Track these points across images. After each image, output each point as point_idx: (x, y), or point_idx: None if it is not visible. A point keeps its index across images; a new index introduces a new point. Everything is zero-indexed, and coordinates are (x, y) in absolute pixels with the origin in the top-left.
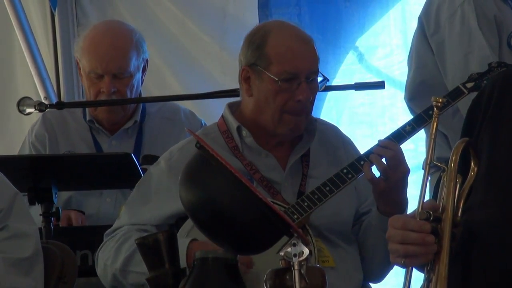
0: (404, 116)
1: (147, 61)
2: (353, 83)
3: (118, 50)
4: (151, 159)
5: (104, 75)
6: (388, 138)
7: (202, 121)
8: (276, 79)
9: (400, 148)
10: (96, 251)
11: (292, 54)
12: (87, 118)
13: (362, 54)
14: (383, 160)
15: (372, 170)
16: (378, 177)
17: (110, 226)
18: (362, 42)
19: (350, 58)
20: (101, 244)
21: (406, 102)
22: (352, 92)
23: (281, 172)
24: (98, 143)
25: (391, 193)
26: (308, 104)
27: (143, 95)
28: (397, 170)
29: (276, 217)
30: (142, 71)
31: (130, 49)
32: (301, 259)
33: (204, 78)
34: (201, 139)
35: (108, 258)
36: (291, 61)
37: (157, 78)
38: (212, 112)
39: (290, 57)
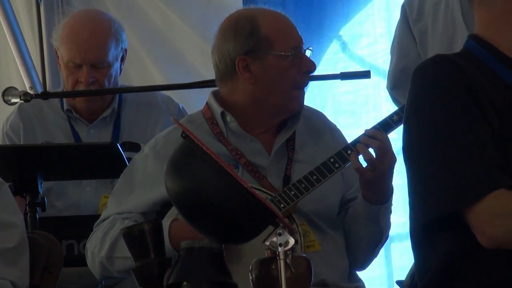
0: (387, 104)
1: (125, 50)
2: (338, 72)
3: (97, 40)
4: (130, 146)
5: (83, 65)
6: (375, 127)
7: (180, 105)
8: (289, 53)
9: (388, 137)
10: (82, 241)
11: (288, 29)
12: (65, 108)
13: (345, 43)
14: (370, 150)
15: (359, 160)
16: (365, 167)
17: (96, 216)
18: (346, 31)
19: (334, 47)
20: (90, 235)
21: (388, 91)
22: (336, 80)
23: (267, 156)
24: (76, 133)
25: (377, 183)
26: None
27: (126, 85)
28: (383, 160)
29: (261, 206)
30: (121, 60)
31: (109, 39)
32: (286, 248)
33: (186, 68)
34: (186, 128)
35: (95, 247)
36: (291, 34)
37: (139, 68)
38: (194, 102)
39: (288, 31)
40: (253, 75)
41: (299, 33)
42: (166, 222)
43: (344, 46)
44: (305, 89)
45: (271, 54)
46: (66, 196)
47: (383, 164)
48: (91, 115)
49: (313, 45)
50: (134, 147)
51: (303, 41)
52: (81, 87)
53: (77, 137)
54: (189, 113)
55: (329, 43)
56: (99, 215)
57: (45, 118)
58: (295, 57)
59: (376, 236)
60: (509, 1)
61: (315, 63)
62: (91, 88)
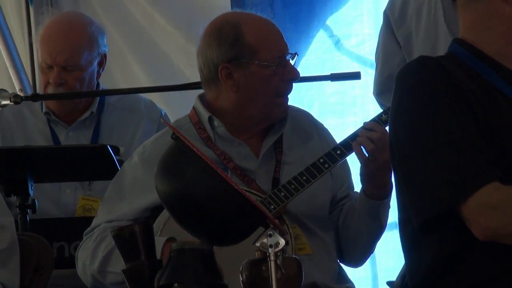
0: (376, 104)
1: (104, 55)
2: (328, 73)
3: (69, 42)
4: None
5: (53, 66)
6: (363, 128)
7: (163, 111)
8: (272, 64)
9: (386, 130)
10: (73, 243)
11: (272, 37)
12: (44, 110)
13: (338, 40)
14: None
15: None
16: (366, 157)
17: (86, 217)
18: (335, 32)
19: (323, 46)
20: (80, 243)
21: (375, 97)
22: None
23: (255, 160)
24: (55, 135)
25: (379, 175)
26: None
27: (112, 87)
28: (384, 151)
29: (252, 208)
30: (99, 65)
31: (83, 42)
32: (277, 249)
33: (171, 70)
34: (177, 130)
35: (87, 258)
36: (275, 43)
37: (124, 70)
38: (179, 104)
39: (273, 40)
40: (236, 83)
41: (285, 40)
42: (158, 238)
43: (335, 43)
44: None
45: (254, 63)
46: (45, 197)
47: (383, 154)
48: (68, 117)
49: (301, 46)
50: (113, 150)
51: (288, 47)
52: (50, 88)
53: (56, 140)
54: (172, 117)
55: (318, 44)
56: (89, 217)
57: (25, 122)
58: (278, 66)
59: (375, 231)
60: (493, 3)
61: (304, 63)
62: (60, 90)
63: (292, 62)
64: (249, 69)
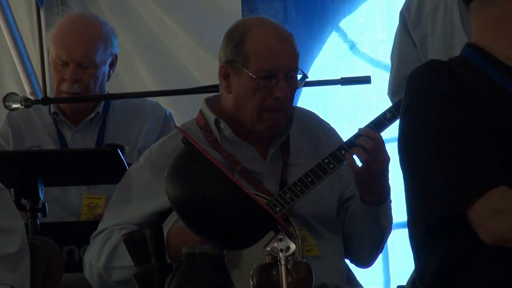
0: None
1: (115, 56)
2: (339, 77)
3: (85, 39)
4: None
5: (69, 62)
6: (368, 126)
7: (167, 112)
8: (254, 76)
9: (381, 136)
10: (83, 247)
11: (270, 52)
12: (52, 111)
13: (352, 44)
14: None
15: (355, 160)
16: (360, 166)
17: (96, 221)
18: (349, 37)
19: (337, 52)
20: (87, 247)
21: (389, 97)
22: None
23: (262, 162)
24: (62, 136)
25: (374, 183)
26: (287, 101)
27: (119, 91)
28: (378, 159)
29: (262, 212)
30: (110, 65)
31: (98, 40)
32: (287, 254)
33: (181, 74)
34: (187, 134)
35: (92, 258)
36: (270, 59)
37: (132, 73)
38: (188, 108)
39: (268, 55)
40: (230, 85)
41: (291, 59)
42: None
43: (350, 47)
44: (285, 112)
45: (245, 71)
46: (51, 196)
47: (378, 163)
48: (76, 116)
49: (315, 52)
50: (119, 149)
51: (294, 67)
52: (65, 85)
53: (62, 140)
54: (182, 120)
55: (331, 49)
56: (99, 221)
57: (33, 124)
58: (263, 81)
59: (378, 235)
60: (506, 8)
61: (319, 69)
62: (75, 87)
63: (297, 82)
64: (240, 75)
